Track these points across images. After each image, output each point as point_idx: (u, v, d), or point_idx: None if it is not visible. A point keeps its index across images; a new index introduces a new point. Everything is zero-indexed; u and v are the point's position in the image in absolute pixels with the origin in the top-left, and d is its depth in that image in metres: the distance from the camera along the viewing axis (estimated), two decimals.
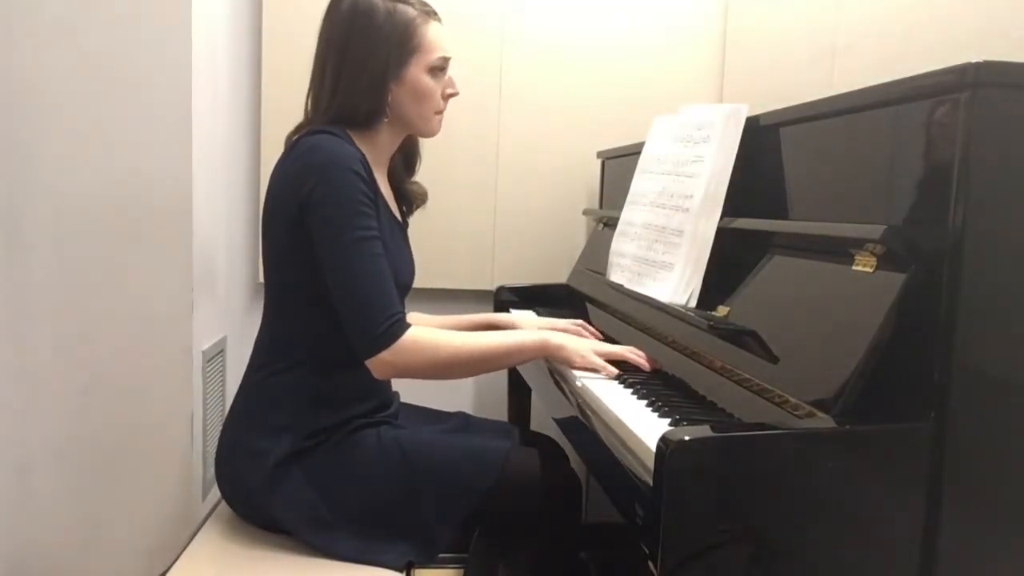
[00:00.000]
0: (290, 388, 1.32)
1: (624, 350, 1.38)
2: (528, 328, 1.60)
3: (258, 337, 1.39)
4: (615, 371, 1.32)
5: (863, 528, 0.89)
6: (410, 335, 1.24)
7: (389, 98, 1.33)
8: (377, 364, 1.24)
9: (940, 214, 0.90)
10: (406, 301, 1.53)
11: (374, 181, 1.30)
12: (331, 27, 1.33)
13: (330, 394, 1.32)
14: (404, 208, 1.52)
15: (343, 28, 1.31)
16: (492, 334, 1.35)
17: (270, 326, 1.37)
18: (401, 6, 1.32)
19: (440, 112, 1.41)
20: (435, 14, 1.37)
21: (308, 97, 1.38)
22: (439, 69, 1.37)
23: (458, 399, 2.20)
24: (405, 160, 1.51)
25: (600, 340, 1.49)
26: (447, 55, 1.37)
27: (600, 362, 1.34)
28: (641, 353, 1.37)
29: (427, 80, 1.35)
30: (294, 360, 1.33)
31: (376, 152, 1.37)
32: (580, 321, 1.60)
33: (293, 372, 1.32)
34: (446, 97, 1.40)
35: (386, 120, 1.35)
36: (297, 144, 1.30)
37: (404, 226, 1.49)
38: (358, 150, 1.29)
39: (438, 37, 1.35)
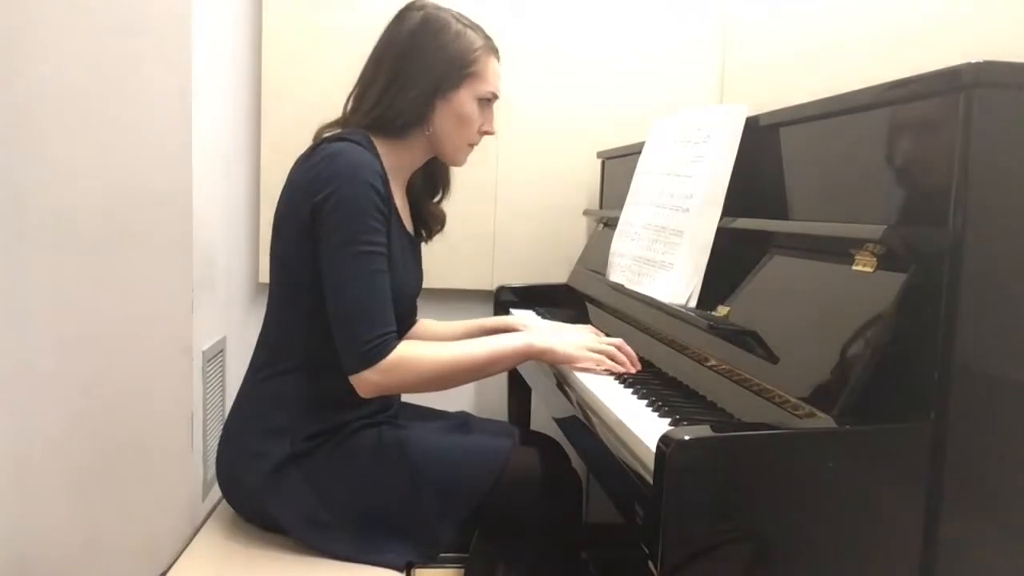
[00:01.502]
0: (290, 390, 1.32)
1: (613, 344, 1.37)
2: (534, 331, 1.58)
3: (260, 337, 1.39)
4: (610, 365, 1.32)
5: (863, 528, 0.89)
6: (395, 354, 1.22)
7: (433, 114, 1.34)
8: (361, 383, 1.22)
9: (940, 214, 0.90)
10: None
11: (390, 194, 1.30)
12: (397, 32, 1.35)
13: (330, 396, 1.31)
14: (424, 231, 1.52)
15: (409, 35, 1.33)
16: (477, 342, 1.34)
17: (272, 327, 1.37)
18: (471, 32, 1.35)
19: (472, 145, 1.42)
20: (497, 52, 1.40)
21: (351, 96, 1.38)
22: (486, 102, 1.39)
23: (458, 399, 2.20)
24: (429, 184, 1.51)
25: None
26: (498, 93, 1.40)
27: (589, 355, 1.34)
28: (630, 352, 1.37)
29: (473, 108, 1.37)
30: (295, 362, 1.32)
31: (399, 165, 1.38)
32: (590, 327, 1.59)
33: (294, 374, 1.32)
34: (482, 132, 1.42)
35: (426, 134, 1.35)
36: (319, 148, 1.30)
37: (416, 241, 1.48)
38: (379, 161, 1.29)
39: (495, 74, 1.39)
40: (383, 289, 1.24)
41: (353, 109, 1.37)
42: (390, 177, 1.32)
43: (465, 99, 1.35)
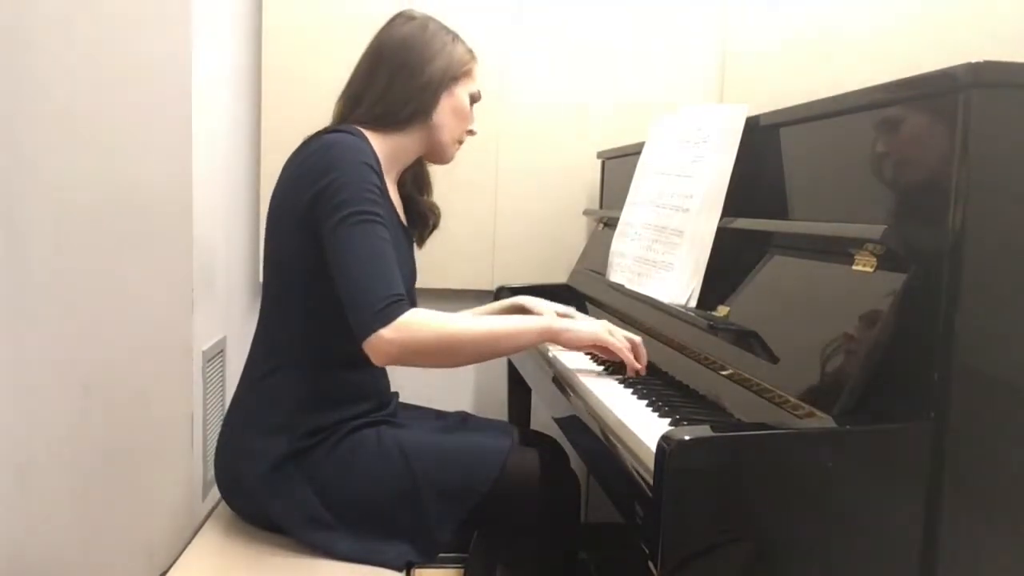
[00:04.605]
0: (287, 388, 1.31)
1: (632, 339, 1.36)
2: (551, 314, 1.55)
3: (255, 336, 1.38)
4: (627, 358, 1.32)
5: (863, 528, 0.89)
6: (412, 313, 1.20)
7: (436, 105, 1.39)
8: (377, 343, 1.17)
9: (940, 214, 0.90)
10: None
11: (384, 180, 1.31)
12: (394, 34, 1.39)
13: (328, 394, 1.32)
14: (420, 232, 1.54)
15: (409, 36, 1.38)
16: (497, 317, 1.35)
17: (268, 326, 1.37)
18: (459, 41, 1.43)
19: (461, 142, 1.48)
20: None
21: (343, 100, 1.40)
22: (473, 102, 1.47)
23: (458, 399, 2.20)
24: (417, 182, 1.53)
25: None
26: (482, 94, 1.48)
27: (610, 338, 1.32)
28: (641, 351, 1.36)
29: (467, 103, 1.44)
30: (291, 360, 1.32)
31: (393, 158, 1.39)
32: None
33: (290, 372, 1.32)
34: (468, 132, 1.48)
35: (428, 124, 1.39)
36: (311, 141, 1.31)
37: (409, 233, 1.49)
38: (373, 151, 1.30)
39: (478, 77, 1.46)
40: (390, 255, 1.23)
41: (351, 108, 1.38)
42: (383, 168, 1.32)
43: (463, 94, 1.42)
